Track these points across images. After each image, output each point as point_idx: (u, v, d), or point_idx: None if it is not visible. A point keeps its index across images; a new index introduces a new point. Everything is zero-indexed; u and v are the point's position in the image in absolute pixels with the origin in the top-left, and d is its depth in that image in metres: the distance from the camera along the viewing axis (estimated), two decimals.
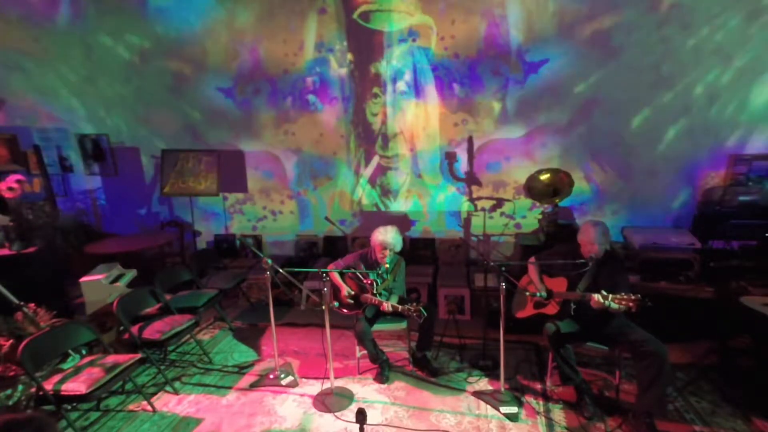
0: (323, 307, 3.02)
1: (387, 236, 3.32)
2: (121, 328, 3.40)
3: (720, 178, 4.27)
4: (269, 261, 3.17)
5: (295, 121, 5.20)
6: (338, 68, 4.97)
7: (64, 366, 3.04)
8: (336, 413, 3.00)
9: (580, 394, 2.98)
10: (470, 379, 3.36)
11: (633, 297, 2.59)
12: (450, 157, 4.96)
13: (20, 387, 2.87)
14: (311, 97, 5.08)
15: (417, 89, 4.87)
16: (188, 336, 3.74)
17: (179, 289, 4.09)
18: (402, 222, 5.17)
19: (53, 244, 4.60)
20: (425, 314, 3.04)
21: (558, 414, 2.95)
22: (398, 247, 3.38)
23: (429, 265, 4.96)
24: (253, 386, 3.36)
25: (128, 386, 3.29)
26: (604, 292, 2.68)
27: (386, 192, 5.25)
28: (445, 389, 3.26)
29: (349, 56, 4.92)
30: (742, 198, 3.94)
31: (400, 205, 5.24)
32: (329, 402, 3.11)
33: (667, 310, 3.52)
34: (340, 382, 3.35)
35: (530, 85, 4.59)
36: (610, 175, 4.63)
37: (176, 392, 3.29)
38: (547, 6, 4.35)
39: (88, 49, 5.34)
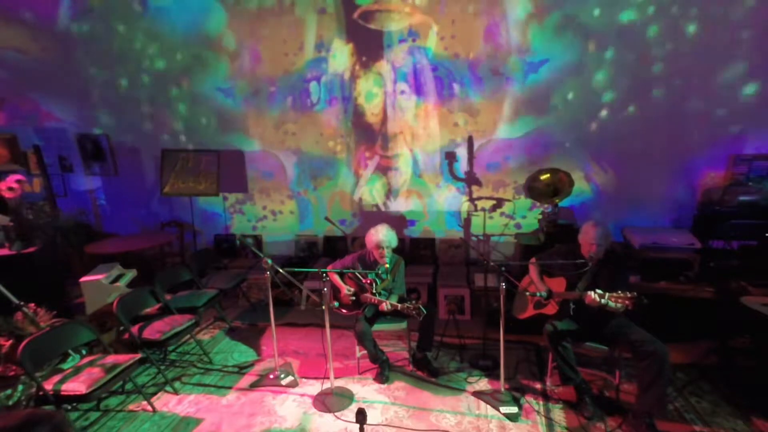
0: (323, 307, 3.02)
1: (379, 235, 3.31)
2: (121, 328, 3.41)
3: (720, 178, 4.27)
4: (269, 261, 3.17)
5: (295, 121, 5.20)
6: (338, 68, 4.97)
7: (64, 366, 3.04)
8: (336, 413, 3.00)
9: (580, 394, 2.98)
10: (470, 379, 3.36)
11: (629, 295, 2.59)
12: (450, 157, 4.96)
13: (20, 387, 2.87)
14: (312, 97, 5.08)
15: (417, 89, 4.87)
16: (188, 336, 3.74)
17: (179, 289, 4.09)
18: (400, 222, 5.18)
19: (53, 244, 4.60)
20: (425, 312, 3.04)
21: (558, 414, 2.95)
22: (394, 244, 3.38)
23: (429, 265, 4.96)
24: (253, 386, 3.36)
25: (128, 386, 3.29)
26: (600, 291, 2.69)
27: (387, 191, 5.25)
28: (445, 389, 3.26)
29: (349, 56, 4.92)
30: (742, 198, 3.94)
31: (400, 205, 5.24)
32: (329, 402, 3.11)
33: (667, 310, 3.53)
34: (340, 382, 3.35)
35: (530, 85, 4.59)
36: (610, 175, 4.64)
37: (176, 392, 3.29)
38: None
39: (87, 48, 5.35)
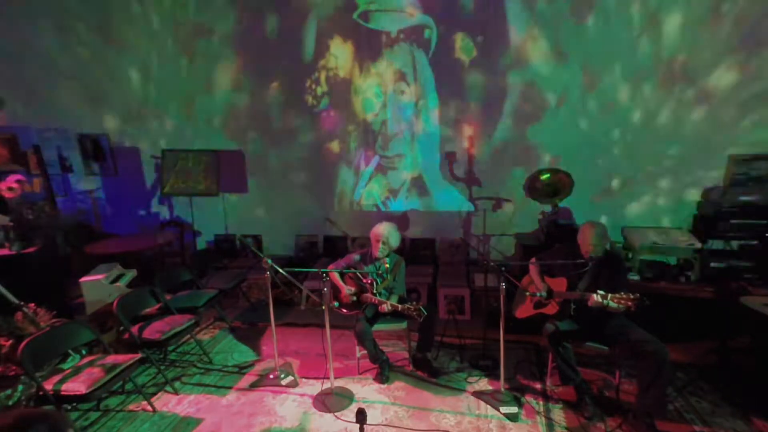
0: (323, 307, 3.02)
1: (380, 228, 3.38)
2: (121, 328, 3.41)
3: (720, 178, 4.26)
4: (269, 261, 3.17)
5: (294, 121, 5.19)
6: (338, 68, 4.97)
7: (64, 366, 3.04)
8: (336, 413, 3.00)
9: (580, 394, 2.98)
10: (470, 379, 3.36)
11: (632, 296, 2.59)
12: (450, 157, 4.96)
13: (20, 387, 2.87)
14: (312, 96, 5.09)
15: (417, 89, 4.87)
16: (188, 336, 3.74)
17: (179, 289, 4.09)
18: (400, 222, 5.18)
19: (53, 244, 4.60)
20: (425, 313, 3.04)
21: (558, 414, 2.95)
22: (393, 240, 3.40)
23: (429, 265, 4.96)
24: (253, 386, 3.36)
25: (128, 386, 3.29)
26: (602, 292, 2.69)
27: (387, 191, 5.25)
28: (445, 389, 3.26)
29: (349, 56, 4.92)
30: (742, 198, 3.94)
31: (400, 205, 5.24)
32: (329, 402, 3.11)
33: (667, 310, 3.53)
34: (340, 382, 3.35)
35: (530, 85, 4.58)
36: (609, 174, 4.63)
37: (176, 392, 3.29)
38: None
39: (87, 48, 5.35)
